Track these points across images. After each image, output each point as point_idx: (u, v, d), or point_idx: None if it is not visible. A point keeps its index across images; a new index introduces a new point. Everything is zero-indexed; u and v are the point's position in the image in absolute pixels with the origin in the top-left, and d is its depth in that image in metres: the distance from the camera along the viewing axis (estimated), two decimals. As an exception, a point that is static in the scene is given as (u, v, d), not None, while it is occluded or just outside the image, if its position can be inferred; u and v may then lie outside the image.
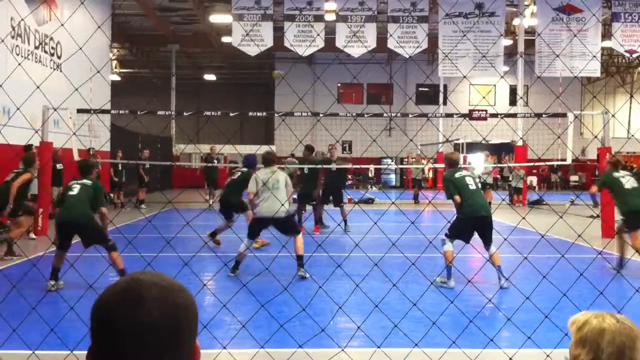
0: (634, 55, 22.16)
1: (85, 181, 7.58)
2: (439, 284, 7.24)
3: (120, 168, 19.10)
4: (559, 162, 17.74)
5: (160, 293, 1.07)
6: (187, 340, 1.09)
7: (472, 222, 7.62)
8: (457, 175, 7.83)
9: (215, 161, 19.15)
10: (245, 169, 10.33)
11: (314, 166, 12.96)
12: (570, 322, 1.87)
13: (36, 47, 15.85)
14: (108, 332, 1.05)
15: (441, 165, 27.70)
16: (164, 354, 1.05)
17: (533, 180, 29.65)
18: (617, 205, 9.10)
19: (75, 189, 7.45)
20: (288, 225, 8.29)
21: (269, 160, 8.52)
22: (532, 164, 23.30)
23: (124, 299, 1.06)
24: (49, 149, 13.21)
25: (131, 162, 18.77)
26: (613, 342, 1.76)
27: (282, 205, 7.93)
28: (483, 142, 25.54)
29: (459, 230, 7.65)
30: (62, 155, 14.89)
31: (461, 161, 8.17)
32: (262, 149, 9.03)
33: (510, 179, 22.39)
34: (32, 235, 11.92)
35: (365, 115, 14.24)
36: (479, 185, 8.18)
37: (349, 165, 17.37)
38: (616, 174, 9.01)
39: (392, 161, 31.01)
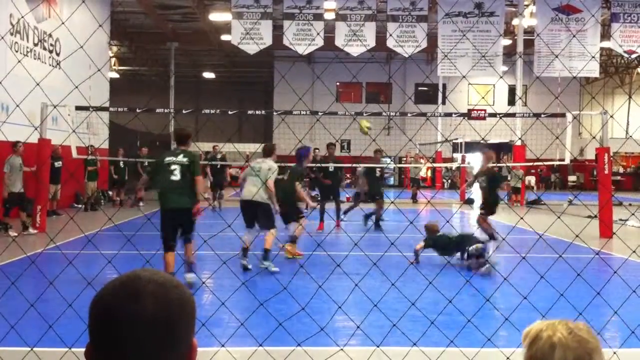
0: (633, 56, 22.18)
1: (181, 159, 7.02)
2: (492, 268, 8.21)
3: (122, 165, 19.01)
4: (557, 162, 17.76)
5: (156, 289, 1.07)
6: (183, 337, 1.09)
7: None
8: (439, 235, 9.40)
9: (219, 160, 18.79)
10: (292, 165, 10.19)
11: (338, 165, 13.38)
12: (523, 335, 1.64)
13: (35, 44, 15.82)
14: (104, 327, 1.06)
15: (439, 165, 27.75)
16: (159, 350, 1.05)
17: (531, 180, 29.67)
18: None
19: (176, 173, 6.96)
20: (263, 216, 8.50)
21: (267, 151, 8.93)
22: (530, 163, 23.31)
23: (120, 294, 1.07)
24: (48, 146, 13.15)
25: (131, 160, 18.74)
26: (565, 359, 1.53)
27: (258, 189, 8.25)
28: (482, 141, 25.56)
29: None
30: (62, 153, 14.89)
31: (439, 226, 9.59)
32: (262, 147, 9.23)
33: (509, 178, 22.41)
34: (32, 230, 11.90)
35: (365, 114, 14.26)
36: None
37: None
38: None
39: (391, 160, 31.00)
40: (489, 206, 10.65)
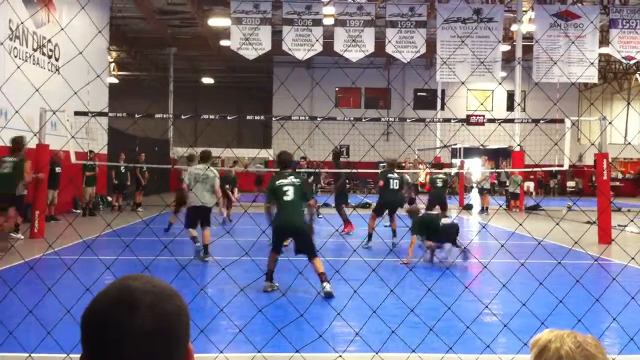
0: (632, 62, 22.23)
1: (293, 180, 7.50)
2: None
3: (123, 170, 18.97)
4: (556, 168, 17.76)
5: (153, 300, 1.06)
6: (180, 346, 1.09)
7: None
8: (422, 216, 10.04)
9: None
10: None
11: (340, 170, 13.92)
12: (531, 343, 1.63)
13: (34, 50, 15.81)
14: (101, 340, 1.04)
15: (438, 171, 27.68)
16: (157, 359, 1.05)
17: (530, 185, 29.69)
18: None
19: (290, 193, 7.40)
20: (208, 217, 9.66)
21: (205, 157, 9.93)
22: (529, 169, 23.32)
23: (117, 307, 1.05)
24: (47, 151, 13.12)
25: (130, 165, 18.72)
26: None
27: (211, 196, 9.48)
28: (480, 147, 25.58)
29: None
30: (63, 159, 14.85)
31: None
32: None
33: (508, 184, 22.42)
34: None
35: (364, 120, 14.28)
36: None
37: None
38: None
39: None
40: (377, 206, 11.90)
